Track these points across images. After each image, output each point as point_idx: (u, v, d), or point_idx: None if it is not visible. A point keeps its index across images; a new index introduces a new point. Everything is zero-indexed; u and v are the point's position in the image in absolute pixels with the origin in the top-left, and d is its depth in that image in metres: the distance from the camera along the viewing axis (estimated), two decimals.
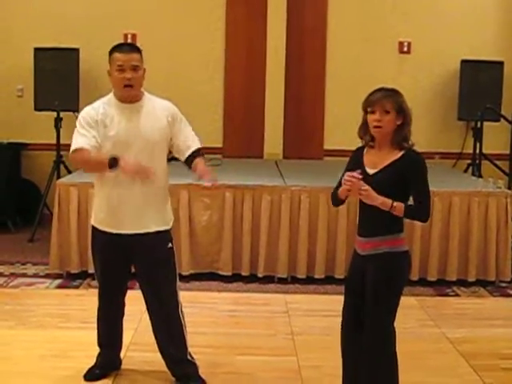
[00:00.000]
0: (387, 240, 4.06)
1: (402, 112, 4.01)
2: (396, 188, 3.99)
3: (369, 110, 4.03)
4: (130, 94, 4.49)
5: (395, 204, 3.95)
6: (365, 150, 4.18)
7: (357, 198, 4.11)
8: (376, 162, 4.06)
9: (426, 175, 4.05)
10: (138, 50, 4.51)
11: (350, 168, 4.13)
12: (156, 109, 4.58)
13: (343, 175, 4.08)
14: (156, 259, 4.60)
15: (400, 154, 4.03)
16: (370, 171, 4.06)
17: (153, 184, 4.47)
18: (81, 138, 4.42)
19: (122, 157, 4.31)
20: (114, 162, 4.30)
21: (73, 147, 4.45)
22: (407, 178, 3.99)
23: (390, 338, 4.08)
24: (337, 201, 4.30)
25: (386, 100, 3.99)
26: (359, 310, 4.15)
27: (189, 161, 4.64)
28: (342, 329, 4.28)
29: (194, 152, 4.65)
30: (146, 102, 4.55)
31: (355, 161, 4.17)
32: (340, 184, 4.13)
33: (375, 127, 4.02)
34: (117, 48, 4.50)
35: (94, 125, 4.42)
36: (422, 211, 4.07)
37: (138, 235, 4.53)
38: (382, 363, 4.08)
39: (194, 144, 4.69)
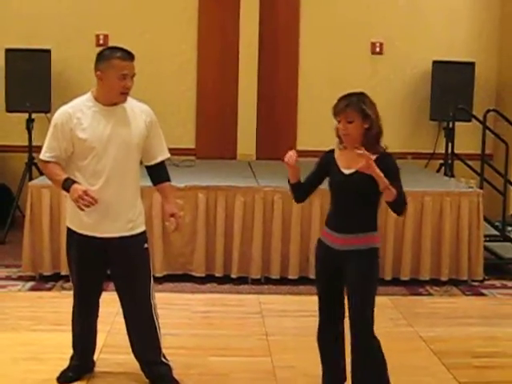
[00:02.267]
0: (367, 237, 4.20)
1: (367, 117, 4.13)
2: (371, 188, 4.09)
3: (336, 118, 4.19)
4: (123, 101, 4.48)
5: (387, 184, 4.05)
6: (336, 154, 4.31)
7: (338, 197, 4.26)
8: (350, 163, 4.17)
9: (399, 175, 4.19)
10: (134, 58, 4.48)
11: (318, 168, 4.38)
12: (135, 111, 4.56)
13: (311, 175, 4.39)
14: (132, 260, 4.59)
15: (374, 156, 4.10)
16: (346, 171, 4.20)
17: (126, 186, 4.51)
18: (50, 149, 4.48)
19: (73, 185, 4.35)
20: (66, 187, 4.38)
21: (41, 155, 4.52)
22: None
23: (373, 331, 4.19)
24: (298, 191, 4.50)
25: (349, 110, 4.12)
26: (335, 303, 4.32)
27: (154, 172, 4.79)
28: (322, 324, 4.36)
29: (161, 167, 4.78)
30: (126, 104, 4.53)
31: (326, 163, 4.33)
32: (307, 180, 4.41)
33: (343, 135, 4.18)
34: (117, 54, 4.41)
35: (68, 131, 4.41)
36: (404, 201, 4.23)
37: (113, 238, 4.51)
38: (376, 355, 4.22)
39: (162, 153, 4.77)
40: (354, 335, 4.18)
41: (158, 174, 4.80)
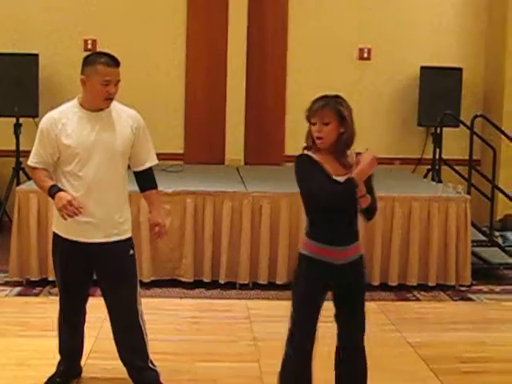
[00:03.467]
0: (358, 244, 4.11)
1: (344, 120, 3.94)
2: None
3: (311, 120, 4.01)
4: (107, 107, 4.47)
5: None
6: (312, 155, 4.05)
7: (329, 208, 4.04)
8: (340, 169, 3.99)
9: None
10: (120, 64, 4.46)
11: (314, 172, 4.00)
12: (121, 117, 4.54)
13: (308, 180, 3.99)
14: (117, 267, 4.56)
15: (354, 160, 3.98)
16: (340, 179, 3.97)
17: (112, 191, 4.50)
18: (37, 155, 4.49)
19: (58, 193, 4.33)
20: (51, 194, 4.37)
21: (29, 161, 4.54)
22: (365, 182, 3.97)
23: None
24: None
25: (326, 110, 3.94)
26: (316, 319, 4.12)
27: (141, 178, 4.76)
28: (304, 346, 4.14)
29: (148, 173, 4.74)
30: (112, 109, 4.52)
31: (313, 168, 4.03)
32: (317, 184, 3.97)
33: (317, 138, 3.98)
34: (102, 60, 4.39)
35: (53, 137, 4.40)
36: (376, 207, 4.11)
37: (99, 244, 4.49)
38: (365, 365, 4.22)
39: (150, 160, 4.74)
40: (350, 345, 4.17)
41: (144, 180, 4.77)
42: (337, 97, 4.05)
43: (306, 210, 4.14)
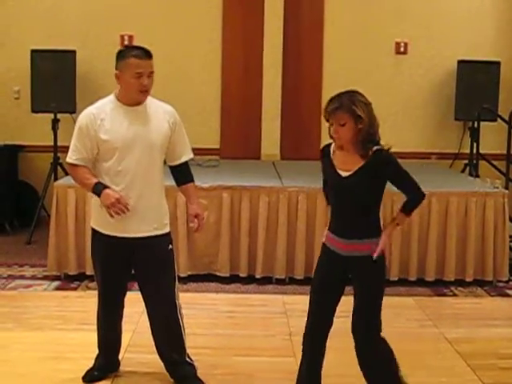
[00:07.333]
0: (371, 243, 4.07)
1: (360, 118, 3.95)
2: (369, 189, 4.04)
3: (327, 121, 4.05)
4: (143, 100, 4.49)
5: (397, 221, 4.12)
6: (331, 149, 4.17)
7: (336, 200, 4.17)
8: (347, 164, 4.06)
9: (400, 166, 4.07)
10: (152, 56, 4.49)
11: (324, 169, 4.23)
12: (158, 112, 4.57)
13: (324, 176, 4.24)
14: (156, 261, 4.59)
15: (370, 155, 4.01)
16: (343, 174, 4.06)
17: (151, 186, 4.52)
18: (76, 152, 4.50)
19: (105, 191, 4.37)
20: (97, 192, 4.41)
21: (68, 158, 4.55)
22: (381, 178, 4.01)
23: (377, 337, 4.15)
24: None
25: (340, 112, 3.96)
26: (329, 309, 4.25)
27: (178, 172, 4.80)
28: (311, 329, 4.30)
29: (185, 167, 4.79)
30: (149, 104, 4.55)
31: (326, 161, 4.19)
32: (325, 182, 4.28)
33: (336, 138, 4.06)
34: (133, 53, 4.43)
35: (93, 133, 4.43)
36: (417, 198, 4.15)
37: (138, 239, 4.52)
38: (383, 360, 4.16)
39: (186, 154, 4.77)
40: (356, 341, 4.16)
41: (181, 174, 4.81)
42: (352, 93, 4.04)
43: None
